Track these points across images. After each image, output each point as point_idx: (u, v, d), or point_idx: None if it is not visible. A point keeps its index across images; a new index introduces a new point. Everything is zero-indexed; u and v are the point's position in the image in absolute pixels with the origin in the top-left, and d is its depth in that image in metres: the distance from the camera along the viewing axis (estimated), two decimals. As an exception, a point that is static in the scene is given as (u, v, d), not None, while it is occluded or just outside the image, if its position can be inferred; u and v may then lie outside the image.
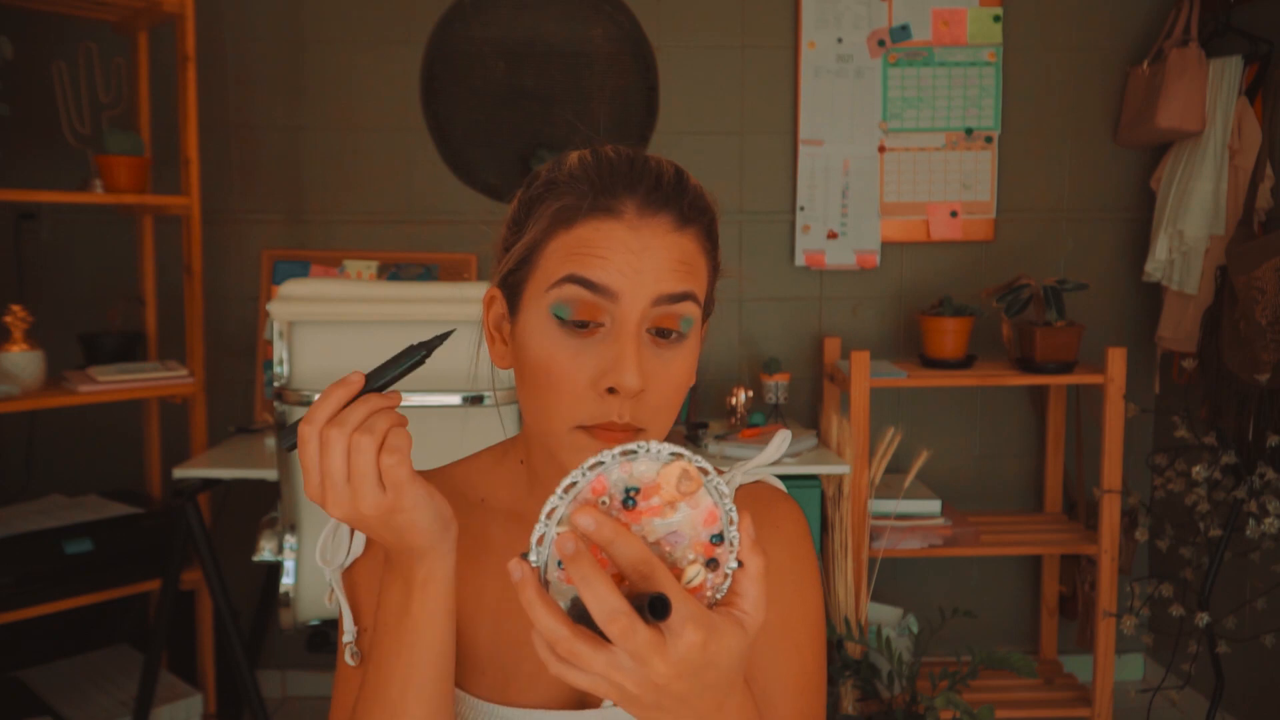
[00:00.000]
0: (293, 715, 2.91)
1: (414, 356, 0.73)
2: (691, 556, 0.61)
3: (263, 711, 2.30)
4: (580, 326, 0.75)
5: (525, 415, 0.81)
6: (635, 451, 0.60)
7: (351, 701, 0.83)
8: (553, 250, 0.77)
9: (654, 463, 0.60)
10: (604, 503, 0.60)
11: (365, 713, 0.75)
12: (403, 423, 0.71)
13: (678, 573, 0.60)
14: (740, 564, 0.61)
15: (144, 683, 2.38)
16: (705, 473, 0.61)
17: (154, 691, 2.40)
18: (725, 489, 0.61)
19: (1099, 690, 2.64)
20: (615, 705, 0.85)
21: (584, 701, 0.85)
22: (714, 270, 0.83)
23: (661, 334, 0.77)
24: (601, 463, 0.60)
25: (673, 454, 0.60)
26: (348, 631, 0.84)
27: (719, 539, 0.61)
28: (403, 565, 0.74)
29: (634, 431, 0.76)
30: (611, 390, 0.74)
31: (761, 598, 0.62)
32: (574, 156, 0.80)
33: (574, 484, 0.60)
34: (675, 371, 0.78)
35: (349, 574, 0.87)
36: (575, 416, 0.75)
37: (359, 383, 0.71)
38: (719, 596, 0.62)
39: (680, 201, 0.78)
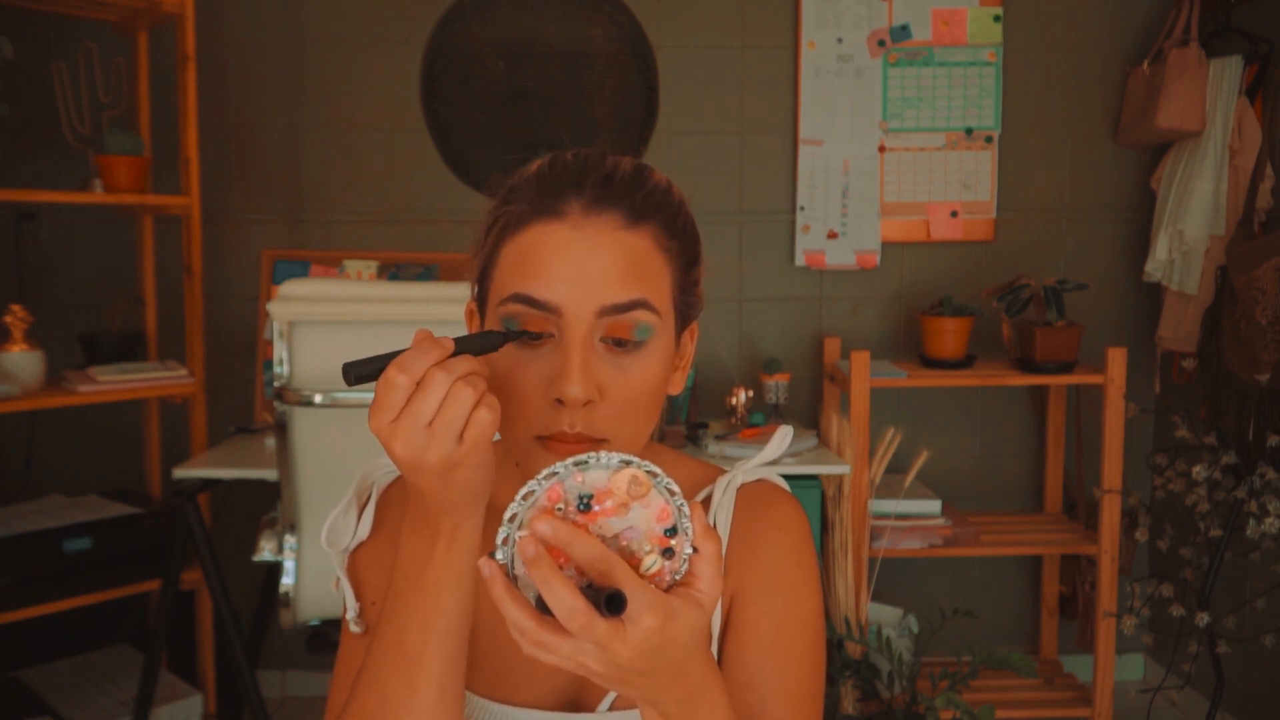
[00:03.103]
0: (293, 715, 2.91)
1: (492, 339, 0.73)
2: (648, 548, 0.66)
3: (263, 711, 2.30)
4: (532, 338, 0.75)
5: (500, 429, 0.82)
6: (587, 461, 0.65)
7: (356, 667, 0.83)
8: (503, 260, 0.77)
9: (604, 471, 0.65)
10: (560, 509, 0.65)
11: (379, 666, 0.75)
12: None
13: (636, 563, 0.65)
14: (695, 549, 0.66)
15: (144, 683, 2.38)
16: (654, 475, 0.66)
17: (154, 691, 2.40)
18: (675, 488, 0.66)
19: (1099, 690, 2.64)
20: (610, 691, 0.86)
21: (578, 704, 0.85)
22: (683, 267, 0.81)
23: (617, 343, 0.75)
24: (556, 473, 0.65)
25: (622, 461, 0.65)
26: (350, 607, 0.85)
27: (672, 532, 0.66)
28: (429, 517, 0.73)
29: (591, 442, 0.75)
30: (560, 401, 0.74)
31: (717, 576, 0.66)
32: (535, 164, 0.80)
33: (531, 492, 0.65)
34: (635, 380, 0.76)
35: (353, 557, 0.88)
36: (532, 427, 0.76)
37: (451, 345, 0.70)
38: (677, 579, 0.67)
39: (632, 197, 0.76)
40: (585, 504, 0.65)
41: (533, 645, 0.64)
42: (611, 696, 0.85)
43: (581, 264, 0.74)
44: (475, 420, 0.68)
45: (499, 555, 0.65)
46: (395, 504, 0.89)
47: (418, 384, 0.67)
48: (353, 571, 0.87)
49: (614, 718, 0.84)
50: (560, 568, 0.63)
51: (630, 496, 0.65)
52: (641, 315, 0.75)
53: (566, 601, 0.61)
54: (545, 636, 0.63)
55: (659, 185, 0.79)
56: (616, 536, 0.65)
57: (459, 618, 0.75)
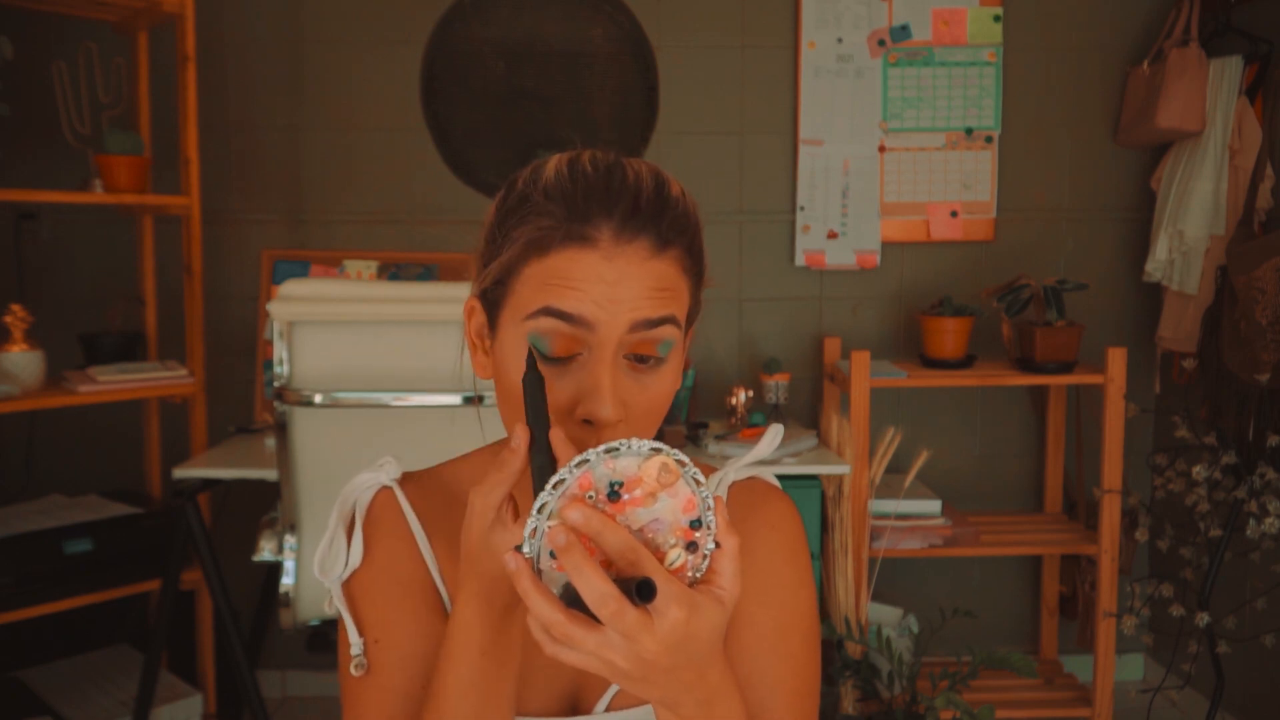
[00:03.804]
0: (293, 715, 2.91)
1: (533, 386, 0.72)
2: (673, 541, 0.66)
3: (263, 711, 2.30)
4: (558, 362, 0.75)
5: (507, 430, 0.81)
6: (618, 449, 0.65)
7: (371, 715, 0.80)
8: (527, 277, 0.76)
9: (635, 458, 0.65)
10: (591, 496, 0.65)
11: None
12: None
13: (660, 556, 0.65)
14: (717, 544, 0.66)
15: (144, 683, 2.38)
16: (683, 464, 0.66)
17: (154, 691, 2.40)
18: (702, 478, 0.66)
19: (1099, 690, 2.63)
20: (607, 692, 0.86)
21: (576, 708, 0.85)
22: (697, 284, 0.82)
23: (640, 359, 0.76)
24: (587, 460, 0.64)
25: (652, 449, 0.65)
26: (354, 644, 0.82)
27: (697, 524, 0.66)
28: (498, 592, 0.73)
29: None
30: (588, 421, 0.74)
31: (737, 574, 0.66)
32: (550, 168, 0.78)
33: (562, 480, 0.64)
34: (654, 395, 0.77)
35: (348, 586, 0.85)
36: None
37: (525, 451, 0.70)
38: (698, 575, 0.67)
39: (659, 224, 0.76)
40: (615, 492, 0.65)
41: (559, 640, 0.63)
42: (608, 697, 0.85)
43: (613, 290, 0.74)
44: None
45: (525, 549, 0.64)
46: (379, 523, 0.87)
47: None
48: (350, 600, 0.85)
49: (612, 718, 0.84)
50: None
51: (660, 485, 0.65)
52: (668, 331, 0.76)
53: (599, 588, 0.60)
54: (572, 630, 0.62)
55: (679, 204, 0.79)
56: (641, 529, 0.65)
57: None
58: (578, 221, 0.75)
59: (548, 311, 0.74)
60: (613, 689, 0.85)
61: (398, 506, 0.88)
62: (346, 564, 0.85)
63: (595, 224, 0.75)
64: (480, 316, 0.83)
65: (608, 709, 0.85)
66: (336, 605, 0.85)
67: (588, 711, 0.85)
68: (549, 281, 0.75)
